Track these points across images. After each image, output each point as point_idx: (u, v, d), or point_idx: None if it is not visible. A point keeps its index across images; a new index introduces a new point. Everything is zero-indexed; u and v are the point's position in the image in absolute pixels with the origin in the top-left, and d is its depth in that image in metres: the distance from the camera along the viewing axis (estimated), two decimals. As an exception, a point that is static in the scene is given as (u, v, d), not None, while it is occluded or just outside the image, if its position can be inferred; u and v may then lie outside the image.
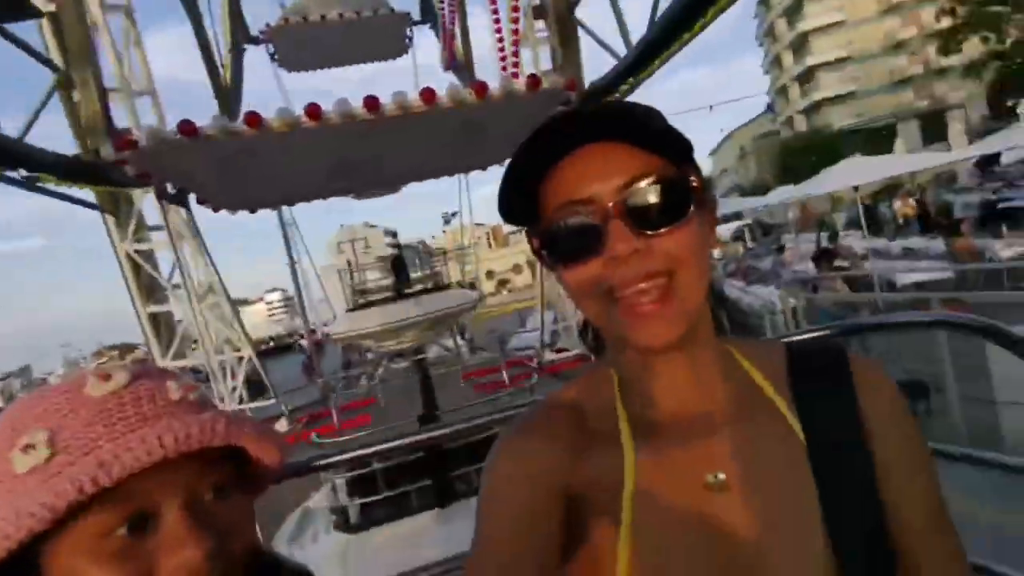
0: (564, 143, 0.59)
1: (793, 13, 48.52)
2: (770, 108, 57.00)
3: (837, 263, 8.75)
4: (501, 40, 6.19)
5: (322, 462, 1.27)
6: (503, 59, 6.03)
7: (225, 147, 3.82)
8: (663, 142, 0.59)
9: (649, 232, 0.58)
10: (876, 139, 36.57)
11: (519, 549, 0.60)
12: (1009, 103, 26.31)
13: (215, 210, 5.61)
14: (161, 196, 5.86)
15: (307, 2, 9.28)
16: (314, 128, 3.55)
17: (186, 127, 3.60)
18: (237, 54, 8.33)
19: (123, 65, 5.92)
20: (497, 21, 6.32)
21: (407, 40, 10.80)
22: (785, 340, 0.76)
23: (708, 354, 0.67)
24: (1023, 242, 9.28)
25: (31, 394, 0.59)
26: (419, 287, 7.12)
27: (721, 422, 0.65)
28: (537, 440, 0.68)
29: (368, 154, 4.61)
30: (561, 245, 0.62)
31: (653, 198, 0.58)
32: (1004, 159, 18.95)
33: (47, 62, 5.69)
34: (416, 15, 11.40)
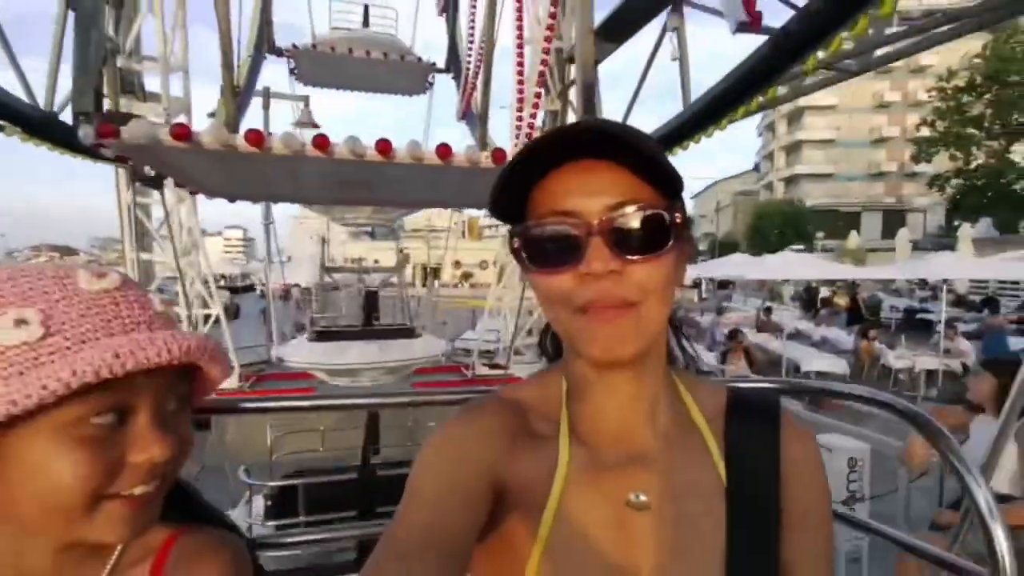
0: (563, 153, 0.61)
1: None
2: (756, 168, 59.52)
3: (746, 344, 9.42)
4: (521, 99, 6.54)
5: (253, 405, 1.22)
6: (519, 119, 6.44)
7: (218, 155, 3.63)
8: (657, 173, 0.60)
9: (627, 256, 0.59)
10: (840, 221, 38.80)
11: (435, 520, 0.61)
12: (955, 223, 28.57)
13: (192, 194, 5.68)
14: (136, 178, 5.76)
15: (338, 36, 9.87)
16: (318, 157, 3.48)
17: (180, 131, 3.37)
18: (256, 59, 8.70)
19: (166, 41, 6.21)
20: (521, 74, 6.86)
21: (428, 84, 11.65)
22: (730, 385, 0.77)
23: (655, 381, 0.69)
24: (912, 355, 10.60)
25: (5, 269, 0.59)
26: (386, 325, 6.70)
27: (654, 447, 0.68)
28: (475, 428, 0.69)
29: (364, 180, 4.78)
30: (540, 251, 0.63)
31: (637, 224, 0.59)
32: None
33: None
34: (441, 63, 12.10)
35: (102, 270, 0.62)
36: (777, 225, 38.30)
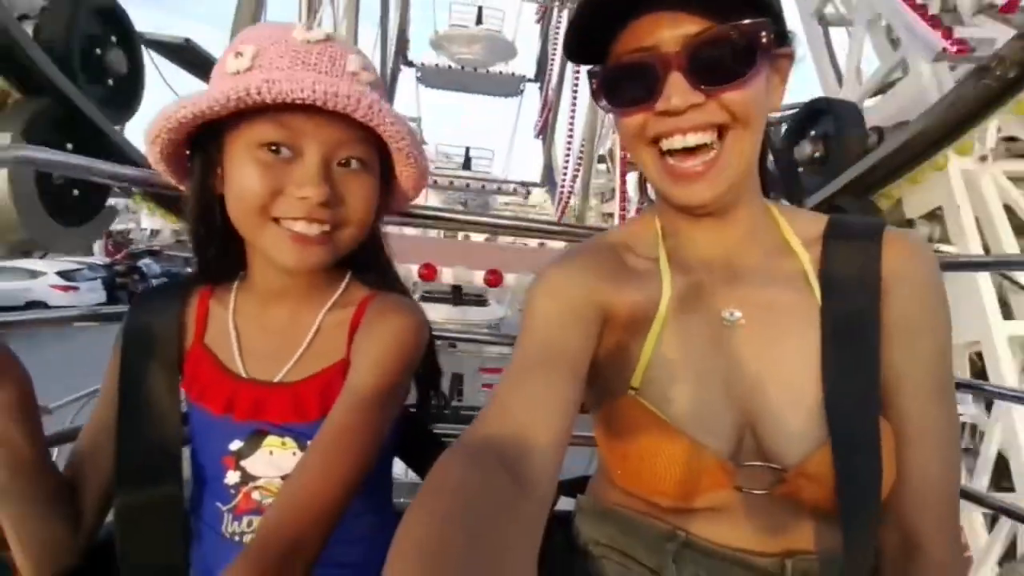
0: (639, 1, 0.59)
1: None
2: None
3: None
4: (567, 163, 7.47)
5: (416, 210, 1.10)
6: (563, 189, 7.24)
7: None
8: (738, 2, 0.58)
9: (709, 87, 0.59)
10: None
11: (552, 338, 0.63)
12: None
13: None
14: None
15: (449, 37, 12.80)
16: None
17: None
18: (394, 70, 10.70)
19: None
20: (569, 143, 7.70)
21: (520, 89, 15.62)
22: (834, 215, 0.75)
23: (747, 211, 0.70)
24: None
25: (262, 23, 0.81)
26: (466, 294, 8.59)
27: (748, 271, 0.70)
28: (577, 263, 0.72)
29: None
30: (618, 89, 0.64)
31: (717, 52, 0.58)
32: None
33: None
34: (531, 74, 15.91)
35: (316, 28, 0.70)
36: None
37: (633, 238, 0.78)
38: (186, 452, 0.80)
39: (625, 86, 0.63)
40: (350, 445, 0.67)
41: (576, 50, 0.67)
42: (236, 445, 0.75)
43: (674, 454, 0.66)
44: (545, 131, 14.05)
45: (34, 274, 12.84)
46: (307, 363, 0.76)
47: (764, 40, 0.59)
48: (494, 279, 5.04)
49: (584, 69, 0.69)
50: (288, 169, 0.67)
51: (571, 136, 9.94)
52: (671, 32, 0.59)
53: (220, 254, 0.77)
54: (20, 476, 0.67)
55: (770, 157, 0.76)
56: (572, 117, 10.60)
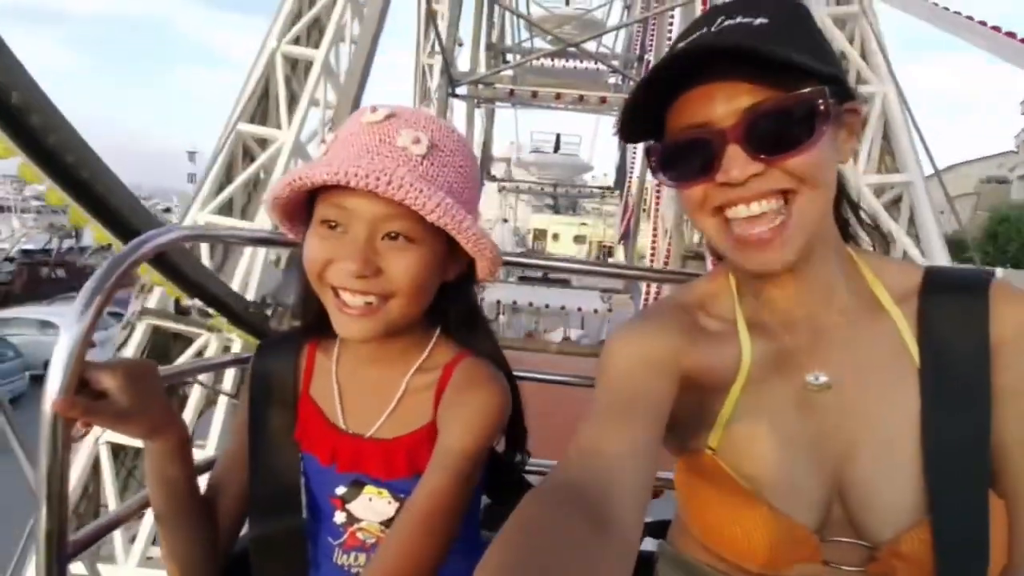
0: (693, 66, 0.58)
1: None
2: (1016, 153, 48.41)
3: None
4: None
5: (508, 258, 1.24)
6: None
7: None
8: (793, 69, 0.56)
9: (769, 156, 0.58)
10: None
11: (632, 387, 0.62)
12: None
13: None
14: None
15: (528, 162, 14.37)
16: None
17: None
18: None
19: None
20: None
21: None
22: (931, 266, 0.72)
23: (825, 267, 0.67)
24: None
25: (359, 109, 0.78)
26: (554, 278, 10.56)
27: (832, 329, 0.67)
28: (655, 322, 0.72)
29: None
30: (677, 163, 0.64)
31: (774, 123, 0.57)
32: None
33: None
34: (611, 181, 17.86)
35: (382, 107, 0.74)
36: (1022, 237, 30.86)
37: (708, 298, 0.76)
38: None
39: (684, 160, 0.63)
40: (442, 515, 0.71)
41: (630, 128, 0.68)
42: (341, 490, 0.83)
43: (752, 521, 0.64)
44: (627, 236, 14.41)
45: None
46: (396, 422, 0.83)
47: (822, 107, 0.57)
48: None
49: (640, 147, 0.71)
50: (340, 242, 0.72)
51: (655, 237, 10.29)
52: (725, 106, 0.58)
53: (319, 312, 0.81)
54: (176, 505, 0.80)
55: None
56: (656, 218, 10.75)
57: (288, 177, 0.71)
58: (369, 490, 0.82)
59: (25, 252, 21.78)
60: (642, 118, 0.66)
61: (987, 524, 0.58)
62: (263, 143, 4.66)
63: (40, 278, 20.01)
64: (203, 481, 0.89)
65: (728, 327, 0.72)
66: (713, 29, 0.60)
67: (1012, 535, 0.59)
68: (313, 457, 0.84)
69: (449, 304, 0.84)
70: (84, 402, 0.67)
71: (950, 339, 0.63)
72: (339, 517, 0.84)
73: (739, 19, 0.59)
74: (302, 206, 0.78)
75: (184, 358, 4.07)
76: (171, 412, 0.77)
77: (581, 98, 10.28)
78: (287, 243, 0.96)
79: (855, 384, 0.65)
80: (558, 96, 10.31)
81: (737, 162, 0.58)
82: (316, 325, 0.85)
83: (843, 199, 0.72)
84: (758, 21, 0.58)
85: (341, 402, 0.85)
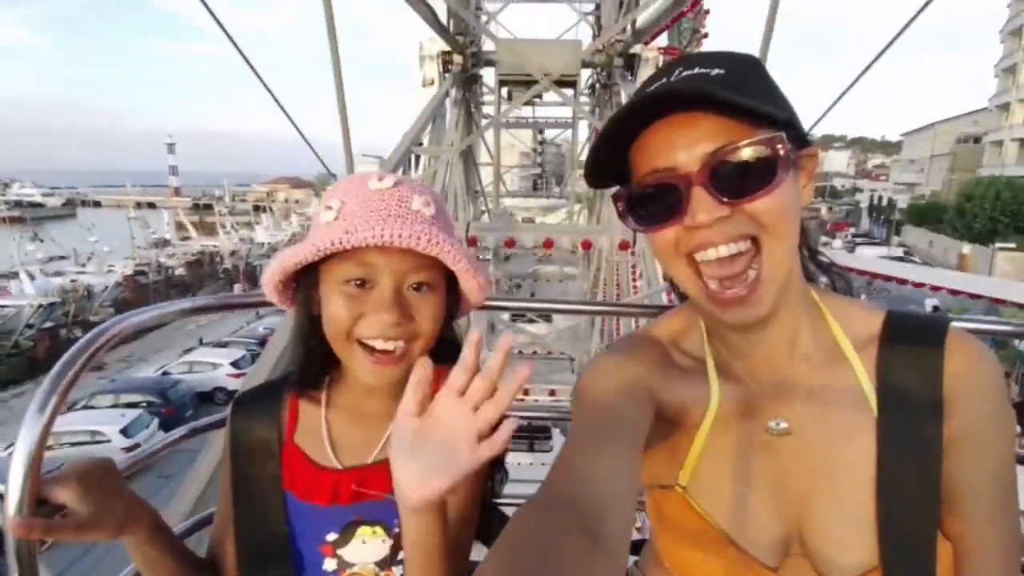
0: (653, 111, 0.61)
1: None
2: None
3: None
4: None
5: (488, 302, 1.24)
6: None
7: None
8: (752, 112, 0.58)
9: (733, 199, 0.60)
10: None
11: (611, 410, 0.64)
12: None
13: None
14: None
15: None
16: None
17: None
18: None
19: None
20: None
21: None
22: (892, 309, 0.72)
23: (792, 314, 0.69)
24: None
25: (347, 177, 0.84)
26: None
27: (794, 376, 0.70)
28: (629, 354, 0.75)
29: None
30: (645, 209, 0.65)
31: (737, 167, 0.59)
32: None
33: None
34: None
35: (386, 175, 0.81)
36: (990, 213, 30.65)
37: (679, 335, 0.79)
38: None
39: (651, 205, 0.65)
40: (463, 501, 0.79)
41: (597, 174, 0.71)
42: (332, 536, 0.86)
43: (721, 562, 0.69)
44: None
45: (215, 366, 18.45)
46: None
47: (782, 152, 0.60)
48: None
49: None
50: (368, 297, 0.78)
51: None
52: (688, 151, 0.60)
53: (318, 365, 0.88)
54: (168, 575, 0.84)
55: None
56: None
57: (321, 242, 0.74)
58: (363, 531, 0.85)
59: (45, 306, 22.90)
60: (606, 163, 0.69)
61: (934, 571, 0.62)
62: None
63: (60, 340, 21.37)
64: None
65: (698, 365, 0.75)
66: (672, 79, 0.62)
67: (956, 572, 0.64)
68: (309, 505, 0.86)
69: (442, 335, 0.89)
70: (43, 522, 0.69)
71: (907, 389, 0.65)
72: (329, 564, 0.86)
73: (696, 70, 0.61)
74: (291, 278, 0.84)
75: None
76: (136, 505, 0.79)
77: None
78: (245, 305, 1.10)
79: (815, 431, 0.68)
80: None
81: (703, 205, 0.60)
82: (311, 379, 0.90)
83: (804, 241, 0.72)
84: (715, 71, 0.60)
85: (333, 444, 0.88)
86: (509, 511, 0.81)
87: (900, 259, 33.19)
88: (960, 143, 47.45)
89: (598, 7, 9.37)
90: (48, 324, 22.47)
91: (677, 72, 0.63)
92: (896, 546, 0.62)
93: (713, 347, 0.75)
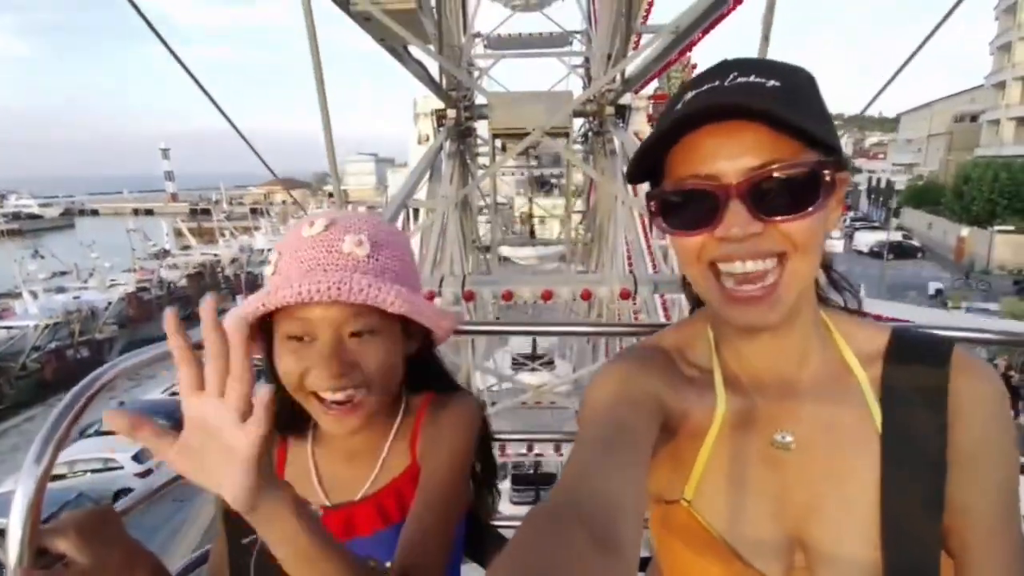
0: (703, 116, 0.59)
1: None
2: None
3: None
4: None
5: (465, 328, 1.28)
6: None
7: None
8: (804, 133, 0.57)
9: (769, 217, 0.59)
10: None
11: (618, 419, 0.63)
12: None
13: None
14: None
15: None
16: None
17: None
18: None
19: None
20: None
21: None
22: (897, 326, 0.74)
23: (802, 327, 0.69)
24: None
25: (300, 221, 0.80)
26: None
27: (801, 390, 0.70)
28: (637, 363, 0.74)
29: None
30: (677, 213, 0.64)
31: (780, 186, 0.58)
32: None
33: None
34: None
35: (316, 219, 0.78)
36: (987, 195, 30.22)
37: (685, 344, 0.79)
38: None
39: (684, 210, 0.64)
40: (434, 539, 0.79)
41: (638, 175, 0.69)
42: None
43: (724, 575, 0.69)
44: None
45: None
46: (383, 476, 0.88)
47: (828, 177, 0.59)
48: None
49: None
50: (310, 351, 0.77)
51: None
52: (732, 162, 0.59)
53: (288, 412, 0.85)
54: None
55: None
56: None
57: (249, 305, 0.74)
58: None
59: (50, 327, 22.91)
60: (647, 161, 0.67)
61: None
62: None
63: (67, 360, 21.64)
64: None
65: (704, 376, 0.75)
66: (726, 84, 0.60)
67: None
68: None
69: (419, 371, 0.90)
70: (43, 574, 0.69)
71: (911, 407, 0.66)
72: None
73: (752, 78, 0.59)
74: (256, 324, 0.81)
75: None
76: (136, 553, 0.78)
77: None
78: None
79: (820, 446, 0.68)
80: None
81: (739, 219, 0.59)
82: (290, 423, 0.89)
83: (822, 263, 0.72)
84: (771, 83, 0.59)
85: (321, 482, 0.89)
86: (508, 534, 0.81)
87: (899, 244, 33.17)
88: (957, 122, 47.14)
89: (587, 60, 9.47)
90: (54, 344, 22.61)
91: (732, 76, 0.60)
92: (899, 562, 0.63)
93: (721, 358, 0.76)
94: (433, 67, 6.18)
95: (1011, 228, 28.22)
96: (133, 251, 34.98)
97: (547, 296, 4.63)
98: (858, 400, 0.68)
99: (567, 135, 6.78)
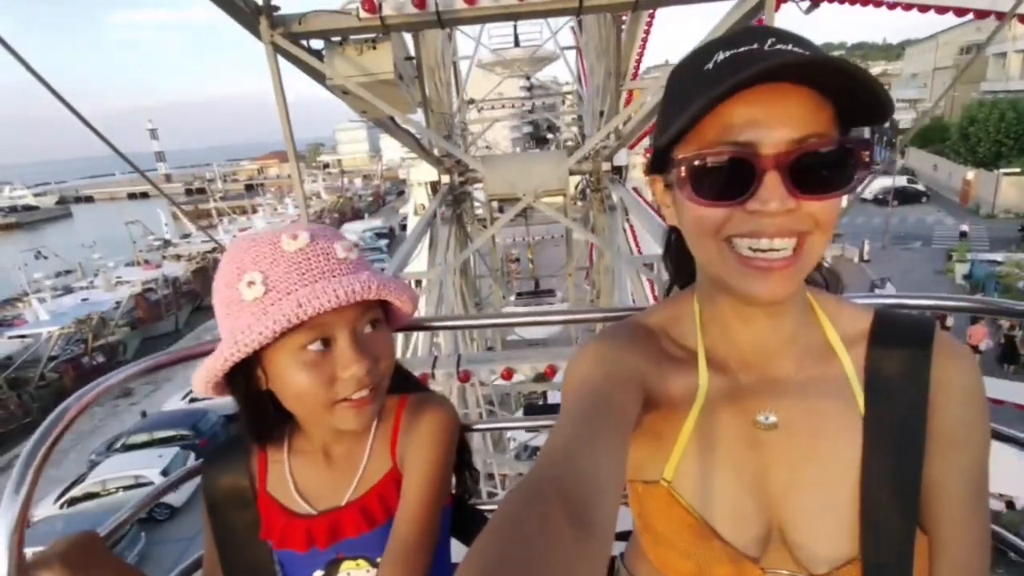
0: (773, 73, 0.52)
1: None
2: (998, 16, 45.81)
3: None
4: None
5: (440, 324, 1.38)
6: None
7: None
8: (859, 101, 0.53)
9: (804, 194, 0.56)
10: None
11: (599, 393, 0.62)
12: None
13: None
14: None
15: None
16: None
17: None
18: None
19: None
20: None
21: None
22: (880, 306, 0.74)
23: (794, 310, 0.69)
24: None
25: (241, 241, 0.80)
26: None
27: (786, 371, 0.70)
28: (620, 341, 0.73)
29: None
30: (706, 181, 0.59)
31: (821, 161, 0.56)
32: None
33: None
34: None
35: (296, 232, 0.79)
36: (994, 136, 29.20)
37: (671, 323, 0.78)
38: None
39: (712, 177, 0.59)
40: (418, 548, 0.81)
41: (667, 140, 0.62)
42: (319, 574, 0.88)
43: (705, 555, 0.70)
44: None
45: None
46: (365, 480, 0.89)
47: (867, 159, 0.58)
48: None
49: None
50: (330, 358, 0.78)
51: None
52: (772, 132, 0.55)
53: (267, 427, 0.87)
54: None
55: None
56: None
57: (269, 324, 0.72)
58: (347, 566, 0.88)
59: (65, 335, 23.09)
60: (685, 128, 0.59)
61: (912, 564, 0.65)
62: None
63: (84, 368, 21.99)
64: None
65: (688, 355, 0.75)
66: (766, 48, 0.56)
67: (932, 570, 0.67)
68: (288, 552, 0.89)
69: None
70: None
71: (893, 389, 0.67)
72: None
73: (791, 47, 0.56)
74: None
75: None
76: (126, 573, 0.81)
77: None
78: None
79: (802, 426, 0.69)
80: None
81: (777, 193, 0.56)
82: (264, 439, 0.89)
83: None
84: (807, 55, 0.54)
85: (301, 491, 0.90)
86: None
87: (904, 189, 32.56)
88: (964, 53, 45.38)
89: (580, 117, 9.18)
90: (70, 352, 22.96)
91: (770, 42, 0.57)
92: (876, 538, 0.64)
93: (707, 336, 0.75)
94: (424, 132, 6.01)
95: (1018, 170, 27.65)
96: (134, 243, 34.95)
97: (550, 373, 4.60)
98: (842, 383, 0.69)
99: (564, 193, 6.68)
